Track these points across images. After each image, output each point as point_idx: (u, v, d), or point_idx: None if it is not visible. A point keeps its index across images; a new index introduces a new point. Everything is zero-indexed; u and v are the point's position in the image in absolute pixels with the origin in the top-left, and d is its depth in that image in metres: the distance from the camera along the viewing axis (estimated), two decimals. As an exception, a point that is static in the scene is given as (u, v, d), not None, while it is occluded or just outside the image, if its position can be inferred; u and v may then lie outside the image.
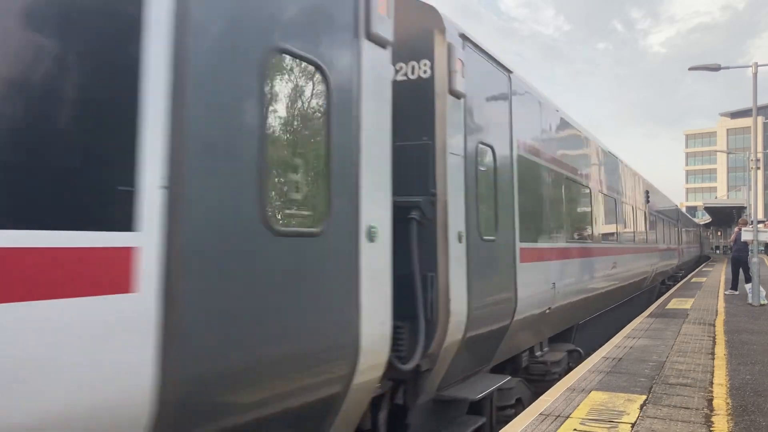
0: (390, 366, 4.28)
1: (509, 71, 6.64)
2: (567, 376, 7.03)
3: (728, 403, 5.77)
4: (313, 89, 3.46)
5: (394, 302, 4.13)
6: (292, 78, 3.31)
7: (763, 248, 30.47)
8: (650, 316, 12.82)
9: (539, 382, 7.46)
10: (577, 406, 5.64)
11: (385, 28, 4.00)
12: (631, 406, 5.65)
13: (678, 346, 8.99)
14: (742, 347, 8.85)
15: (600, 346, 9.71)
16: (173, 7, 2.59)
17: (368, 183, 3.86)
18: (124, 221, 2.39)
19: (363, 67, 3.82)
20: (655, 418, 5.27)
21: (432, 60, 5.01)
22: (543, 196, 7.65)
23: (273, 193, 3.18)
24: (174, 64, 2.58)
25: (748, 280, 16.44)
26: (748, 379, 6.80)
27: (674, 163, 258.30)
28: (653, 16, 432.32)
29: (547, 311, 7.43)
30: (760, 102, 25.07)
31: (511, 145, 6.54)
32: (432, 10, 5.10)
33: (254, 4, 3.02)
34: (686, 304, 15.26)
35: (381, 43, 4.02)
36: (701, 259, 50.65)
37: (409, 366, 4.62)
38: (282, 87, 3.24)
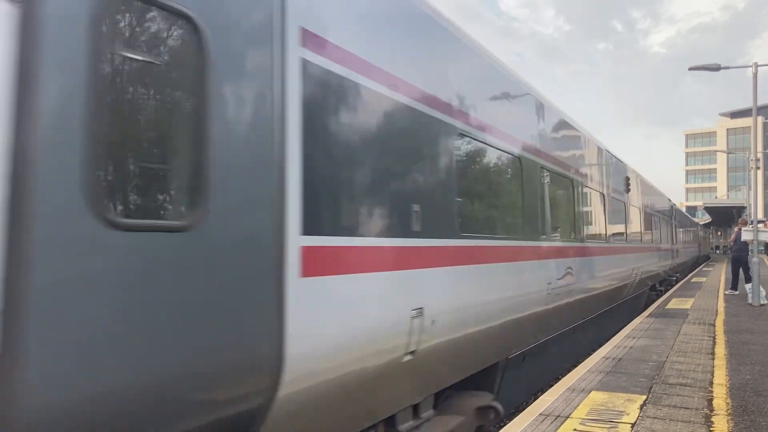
0: None
1: None
2: (567, 376, 7.03)
3: (728, 403, 5.76)
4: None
5: None
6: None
7: (763, 248, 30.47)
8: (650, 316, 12.82)
9: None
10: (577, 406, 5.64)
11: None
12: (631, 406, 5.65)
13: (678, 346, 8.99)
14: (742, 347, 8.85)
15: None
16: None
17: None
18: None
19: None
20: (655, 418, 5.27)
21: None
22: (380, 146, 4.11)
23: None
24: None
25: (748, 280, 16.43)
26: (748, 379, 6.80)
27: (674, 163, 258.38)
28: (653, 16, 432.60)
29: (408, 357, 4.32)
30: (760, 102, 25.06)
31: None
32: None
33: None
34: (686, 304, 15.26)
35: None
36: (700, 260, 47.79)
37: None
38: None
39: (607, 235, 11.34)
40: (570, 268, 8.28)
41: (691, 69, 18.85)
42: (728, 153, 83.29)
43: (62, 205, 2.18)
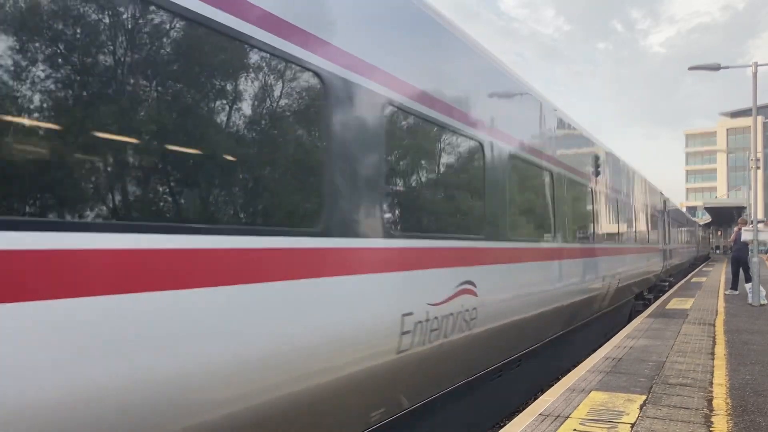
0: None
1: None
2: (567, 376, 7.03)
3: (728, 403, 5.76)
4: None
5: None
6: None
7: (764, 248, 30.47)
8: (650, 316, 12.82)
9: None
10: (577, 406, 5.64)
11: None
12: (630, 406, 5.65)
13: (678, 346, 8.99)
14: (742, 347, 8.85)
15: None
16: None
17: None
18: None
19: None
20: (655, 418, 5.27)
21: None
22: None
23: None
24: None
25: (748, 280, 16.43)
26: (747, 379, 6.80)
27: (674, 163, 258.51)
28: (653, 17, 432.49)
29: None
30: (760, 102, 25.07)
31: None
32: None
33: None
34: (686, 304, 15.26)
35: None
36: (698, 261, 45.29)
37: None
38: None
39: (560, 231, 8.33)
40: (469, 282, 5.34)
41: (691, 69, 18.85)
42: (728, 153, 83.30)
43: None
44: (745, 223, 17.95)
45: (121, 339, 2.48)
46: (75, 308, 2.33)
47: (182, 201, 2.89)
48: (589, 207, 10.32)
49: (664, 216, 21.93)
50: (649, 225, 17.65)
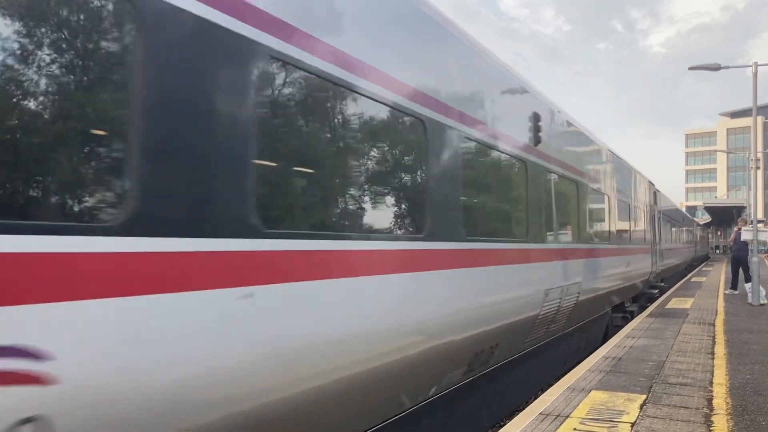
0: None
1: None
2: (566, 375, 7.03)
3: (728, 403, 5.77)
4: None
5: None
6: None
7: (764, 248, 30.48)
8: (650, 315, 12.82)
9: None
10: (577, 405, 5.64)
11: None
12: (630, 405, 5.65)
13: (678, 345, 8.99)
14: (741, 347, 8.85)
15: None
16: None
17: None
18: None
19: None
20: (655, 417, 5.27)
21: None
22: None
23: None
24: None
25: (748, 279, 16.44)
26: (748, 378, 6.80)
27: (674, 163, 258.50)
28: (653, 17, 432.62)
29: None
30: (760, 102, 25.05)
31: None
32: None
33: None
34: (686, 303, 15.26)
35: None
36: (695, 263, 42.58)
37: None
38: None
39: (483, 226, 5.79)
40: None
41: (691, 69, 18.85)
42: (728, 153, 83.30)
43: None
44: (744, 223, 17.97)
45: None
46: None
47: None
48: (521, 189, 6.86)
49: (655, 212, 18.55)
50: (634, 220, 14.38)
